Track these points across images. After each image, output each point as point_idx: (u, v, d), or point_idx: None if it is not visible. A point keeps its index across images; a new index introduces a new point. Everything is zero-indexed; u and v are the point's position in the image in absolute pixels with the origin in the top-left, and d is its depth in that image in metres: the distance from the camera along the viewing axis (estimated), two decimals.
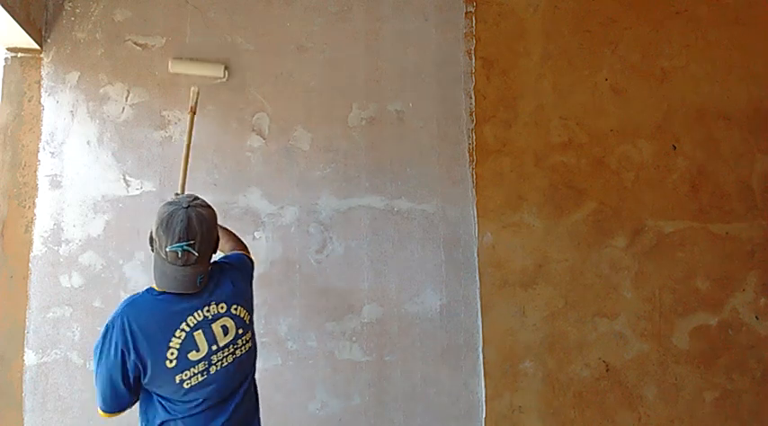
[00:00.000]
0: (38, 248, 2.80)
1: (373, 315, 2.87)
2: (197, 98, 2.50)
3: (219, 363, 1.98)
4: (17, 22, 2.64)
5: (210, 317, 1.98)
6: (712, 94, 3.11)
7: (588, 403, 2.90)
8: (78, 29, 2.93)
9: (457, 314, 2.90)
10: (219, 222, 2.82)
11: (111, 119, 2.90)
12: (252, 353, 2.10)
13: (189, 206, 1.90)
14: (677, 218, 3.03)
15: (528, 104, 3.05)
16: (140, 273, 2.81)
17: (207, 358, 1.96)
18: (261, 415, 2.15)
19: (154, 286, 1.94)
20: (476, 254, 2.94)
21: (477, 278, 2.92)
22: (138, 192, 2.86)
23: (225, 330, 1.99)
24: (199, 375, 1.94)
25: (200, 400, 1.95)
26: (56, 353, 2.75)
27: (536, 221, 2.98)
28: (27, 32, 2.74)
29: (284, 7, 3.02)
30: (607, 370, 2.92)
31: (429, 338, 2.88)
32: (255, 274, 2.84)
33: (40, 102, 2.88)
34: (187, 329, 1.94)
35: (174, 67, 2.87)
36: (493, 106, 3.03)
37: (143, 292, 1.96)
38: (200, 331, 1.95)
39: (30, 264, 2.79)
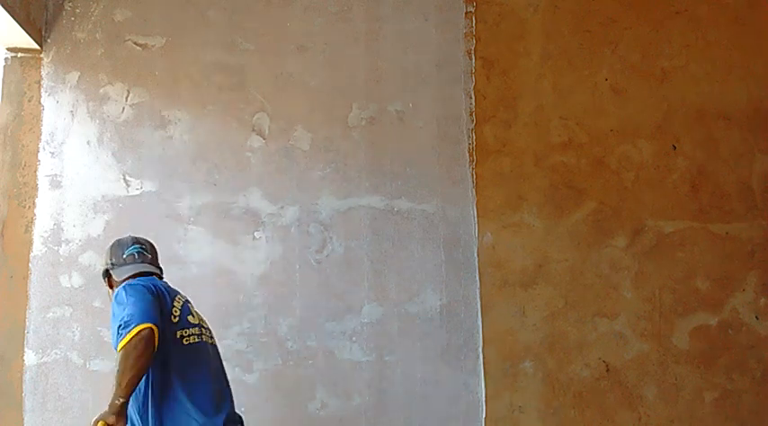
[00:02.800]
0: (38, 248, 2.80)
1: (373, 315, 2.87)
2: None
3: (207, 338, 2.18)
4: (17, 21, 2.64)
5: (186, 300, 2.21)
6: (712, 94, 3.11)
7: (588, 403, 2.90)
8: (78, 29, 2.93)
9: (457, 314, 2.90)
10: (219, 222, 2.85)
11: (111, 119, 2.90)
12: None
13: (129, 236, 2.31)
14: (677, 218, 3.03)
15: (528, 104, 3.04)
16: None
17: (199, 326, 2.16)
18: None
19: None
20: (476, 254, 2.93)
21: (477, 278, 2.92)
22: (138, 192, 2.86)
23: (200, 315, 2.22)
24: (195, 336, 2.11)
25: (201, 365, 2.08)
26: (56, 353, 2.75)
27: (536, 221, 2.98)
28: (27, 32, 2.74)
29: (284, 7, 3.01)
30: (607, 370, 2.92)
31: (429, 338, 2.88)
32: (256, 274, 2.85)
33: (40, 102, 2.88)
34: (181, 300, 2.17)
35: None
36: (493, 106, 3.03)
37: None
38: (189, 305, 2.20)
39: (30, 264, 2.79)
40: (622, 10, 3.12)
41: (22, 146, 2.85)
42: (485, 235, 2.95)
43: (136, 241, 2.25)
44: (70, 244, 2.81)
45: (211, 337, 2.23)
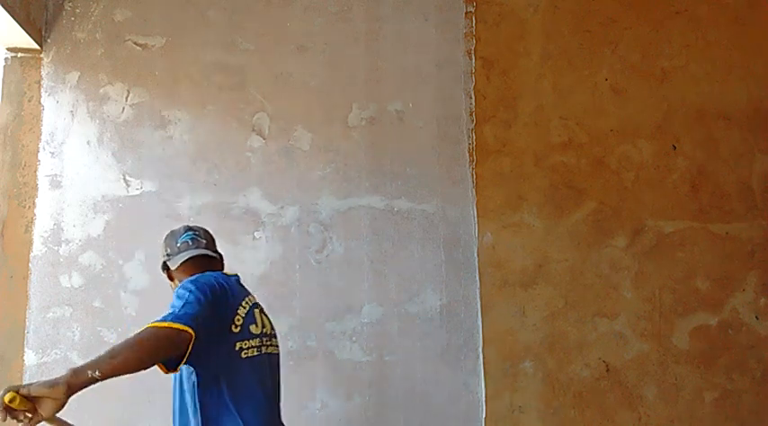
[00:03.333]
0: (38, 248, 2.80)
1: (373, 315, 2.87)
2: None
3: (269, 348, 2.03)
4: (17, 21, 2.64)
5: (255, 303, 2.06)
6: (712, 94, 3.11)
7: (588, 403, 2.90)
8: (78, 29, 2.93)
9: (457, 314, 2.89)
10: (219, 222, 2.84)
11: (111, 119, 2.90)
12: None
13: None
14: (677, 218, 3.03)
15: (528, 104, 3.04)
16: (140, 273, 2.81)
17: (260, 337, 1.99)
18: None
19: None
20: (476, 254, 2.93)
21: (477, 278, 2.92)
22: (138, 192, 2.86)
23: (265, 322, 2.06)
24: (254, 349, 1.95)
25: (256, 382, 1.93)
26: (56, 353, 2.75)
27: (536, 221, 2.98)
28: (27, 32, 2.74)
29: (284, 7, 3.02)
30: (607, 370, 2.92)
31: (429, 338, 2.88)
32: (256, 274, 2.85)
33: (40, 102, 2.88)
34: (249, 303, 2.01)
35: None
36: (493, 106, 3.03)
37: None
38: (257, 310, 2.03)
39: (30, 264, 2.79)
40: (622, 10, 3.12)
41: (22, 146, 2.85)
42: (485, 235, 2.95)
43: (189, 228, 2.15)
44: (70, 244, 2.81)
45: (274, 345, 2.08)
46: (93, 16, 2.94)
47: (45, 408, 1.42)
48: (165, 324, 1.64)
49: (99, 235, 2.82)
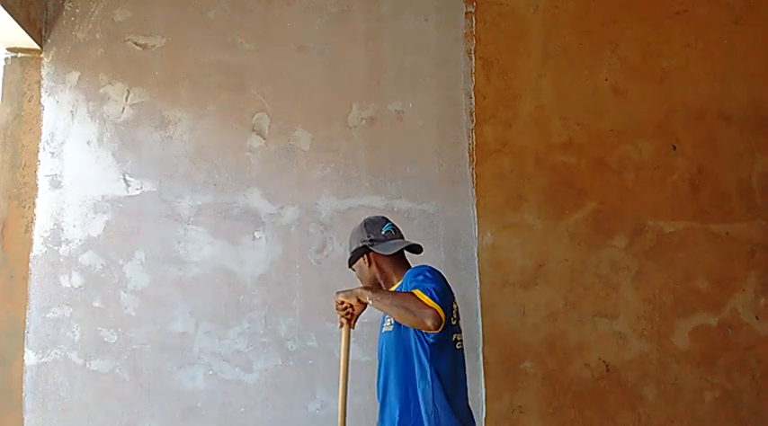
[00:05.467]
0: (38, 248, 2.80)
1: (373, 315, 2.86)
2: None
3: (461, 344, 2.13)
4: (17, 21, 2.64)
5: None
6: (712, 94, 3.11)
7: (588, 403, 2.90)
8: (78, 29, 2.93)
9: None
10: (219, 222, 2.84)
11: (111, 120, 2.90)
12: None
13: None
14: (677, 218, 3.03)
15: (528, 104, 3.04)
16: (140, 273, 2.81)
17: (460, 330, 2.13)
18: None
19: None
20: (476, 254, 2.93)
21: (477, 278, 2.92)
22: (137, 192, 2.86)
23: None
24: (461, 342, 2.11)
25: (464, 375, 2.11)
26: (56, 353, 2.75)
27: (536, 221, 2.98)
28: (27, 32, 2.74)
29: (284, 7, 3.01)
30: (607, 370, 2.92)
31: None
32: (256, 274, 2.85)
33: (39, 102, 2.88)
34: (455, 300, 2.10)
35: None
36: (493, 106, 3.03)
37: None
38: (456, 304, 2.11)
39: (30, 264, 2.79)
40: (623, 10, 3.12)
41: (22, 146, 2.85)
42: (485, 235, 2.95)
43: (387, 219, 2.28)
44: (70, 244, 2.81)
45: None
46: (93, 16, 2.94)
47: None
48: (436, 309, 1.88)
49: (99, 235, 2.82)
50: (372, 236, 2.20)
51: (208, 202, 2.87)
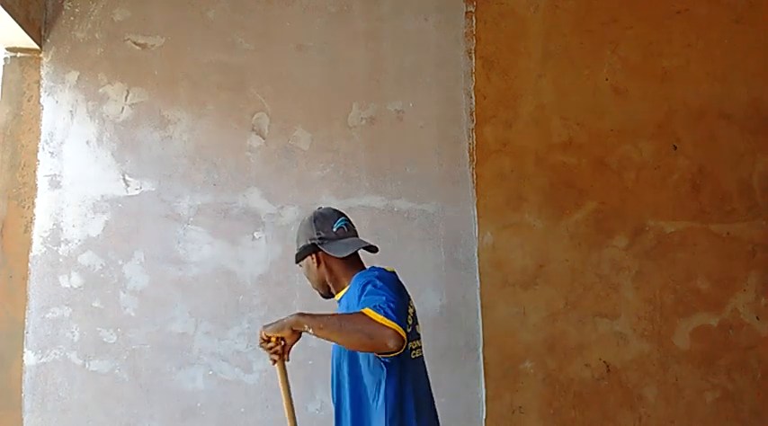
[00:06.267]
0: (37, 248, 2.79)
1: None
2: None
3: (422, 351, 1.98)
4: (16, 21, 2.64)
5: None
6: (713, 94, 3.10)
7: (588, 403, 2.89)
8: (78, 28, 2.93)
9: (457, 314, 2.89)
10: (218, 222, 2.84)
11: (110, 119, 2.89)
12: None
13: (319, 207, 2.15)
14: (678, 218, 3.02)
15: (528, 104, 3.04)
16: (140, 273, 2.80)
17: (420, 337, 1.97)
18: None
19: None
20: (476, 254, 2.93)
21: (477, 278, 2.91)
22: (137, 192, 2.86)
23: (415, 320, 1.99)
24: (419, 349, 1.94)
25: (424, 384, 1.95)
26: (55, 354, 2.74)
27: (536, 221, 2.97)
28: (26, 32, 2.74)
29: (284, 7, 3.01)
30: (608, 371, 2.92)
31: (429, 338, 2.85)
32: (256, 274, 2.85)
33: (39, 102, 2.88)
34: (412, 303, 1.96)
35: None
36: (493, 106, 3.03)
37: (376, 267, 1.96)
38: (412, 308, 1.95)
39: (29, 264, 2.78)
40: (623, 9, 3.12)
41: (22, 145, 2.85)
42: (485, 235, 2.94)
43: (339, 213, 2.07)
44: (69, 244, 2.80)
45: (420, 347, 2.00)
46: (93, 16, 2.93)
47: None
48: (390, 325, 1.66)
49: (98, 235, 2.81)
50: (323, 234, 2.00)
51: (207, 202, 2.87)
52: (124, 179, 2.86)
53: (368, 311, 1.69)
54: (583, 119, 3.04)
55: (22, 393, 2.71)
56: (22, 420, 2.70)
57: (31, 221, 2.81)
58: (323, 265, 2.01)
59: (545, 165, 3.00)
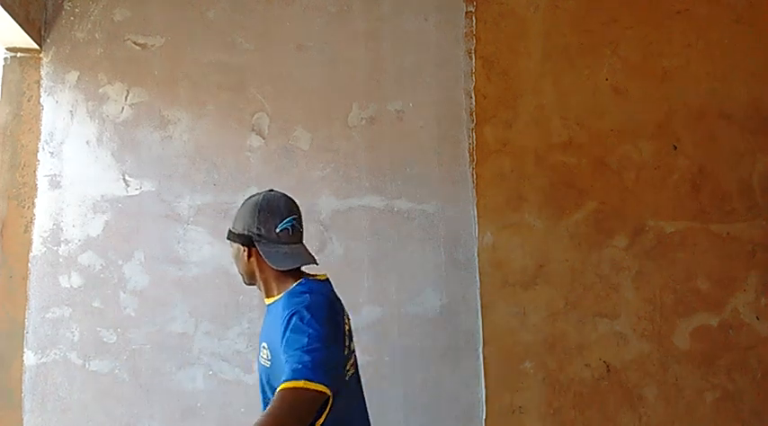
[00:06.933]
0: (37, 248, 2.80)
1: (373, 316, 2.86)
2: None
3: (353, 368, 1.84)
4: (16, 21, 2.64)
5: (347, 314, 1.89)
6: (713, 94, 3.10)
7: (589, 403, 2.89)
8: (77, 28, 2.93)
9: (457, 314, 2.89)
10: (218, 222, 2.83)
11: (110, 119, 2.89)
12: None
13: (272, 190, 1.90)
14: (678, 218, 3.02)
15: (528, 104, 3.04)
16: (140, 273, 2.80)
17: (353, 353, 1.83)
18: None
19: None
20: (476, 254, 2.93)
21: (477, 278, 2.91)
22: (137, 192, 2.86)
23: (351, 336, 1.86)
24: (352, 367, 1.80)
25: (358, 402, 1.81)
26: (55, 354, 2.74)
27: (536, 221, 2.97)
28: (26, 32, 2.74)
29: (284, 7, 3.01)
30: (608, 371, 2.92)
31: (429, 338, 2.87)
32: None
33: (39, 102, 2.88)
34: (348, 317, 1.84)
35: None
36: (493, 106, 3.03)
37: (308, 281, 1.79)
38: (347, 324, 1.82)
39: (29, 264, 2.78)
40: (623, 10, 3.12)
41: (22, 145, 2.85)
42: (485, 235, 2.94)
43: (289, 209, 1.83)
44: (69, 244, 2.81)
45: (355, 364, 1.87)
46: (93, 16, 2.93)
47: None
48: (315, 388, 1.51)
49: (98, 235, 2.81)
50: (263, 231, 1.79)
51: (207, 202, 2.87)
52: (124, 179, 2.86)
53: (288, 386, 1.51)
54: (583, 119, 3.04)
55: (22, 393, 2.72)
56: (22, 420, 2.70)
57: (31, 221, 2.81)
58: (254, 261, 1.83)
59: (545, 165, 3.00)
